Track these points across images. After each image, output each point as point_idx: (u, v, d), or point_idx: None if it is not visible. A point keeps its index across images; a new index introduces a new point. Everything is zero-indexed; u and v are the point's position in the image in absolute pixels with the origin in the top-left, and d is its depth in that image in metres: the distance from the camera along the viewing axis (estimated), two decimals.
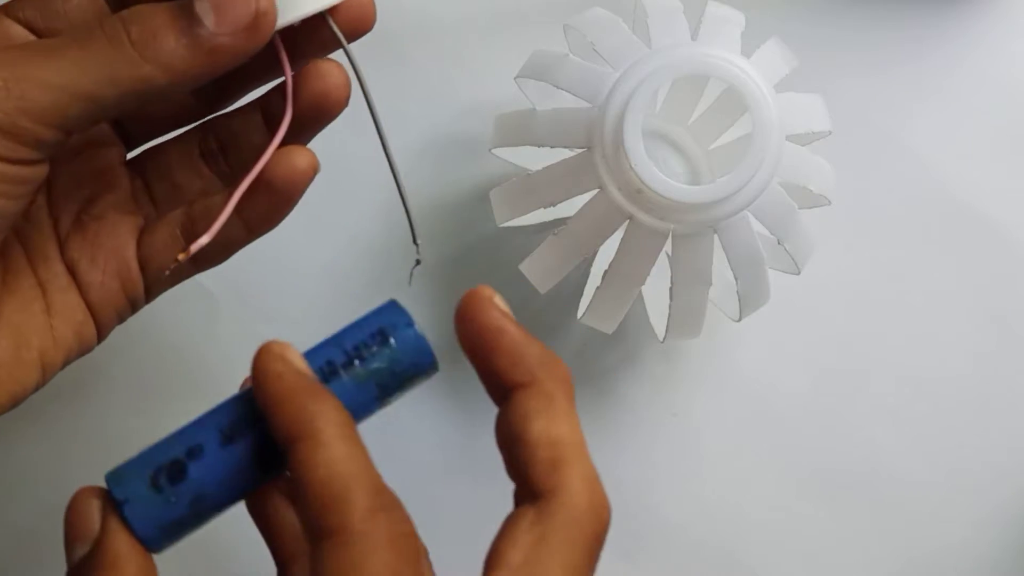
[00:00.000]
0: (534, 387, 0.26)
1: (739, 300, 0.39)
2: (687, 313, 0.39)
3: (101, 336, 0.34)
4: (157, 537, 0.26)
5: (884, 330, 0.47)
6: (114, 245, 0.33)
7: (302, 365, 0.27)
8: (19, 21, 0.30)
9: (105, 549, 0.26)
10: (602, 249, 0.39)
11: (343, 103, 0.32)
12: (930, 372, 0.47)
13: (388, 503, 0.25)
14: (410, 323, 0.28)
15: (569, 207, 0.38)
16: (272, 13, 0.29)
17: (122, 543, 0.26)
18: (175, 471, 0.26)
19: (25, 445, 0.45)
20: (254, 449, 0.27)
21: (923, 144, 0.48)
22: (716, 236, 0.37)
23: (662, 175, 0.36)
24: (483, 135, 0.44)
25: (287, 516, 0.31)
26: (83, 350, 0.33)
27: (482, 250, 0.46)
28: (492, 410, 0.29)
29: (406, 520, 0.25)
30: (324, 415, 0.25)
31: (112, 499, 0.26)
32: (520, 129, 0.39)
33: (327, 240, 0.46)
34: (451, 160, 0.47)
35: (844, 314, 0.47)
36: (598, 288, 0.39)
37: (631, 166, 0.35)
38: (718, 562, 0.46)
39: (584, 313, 0.40)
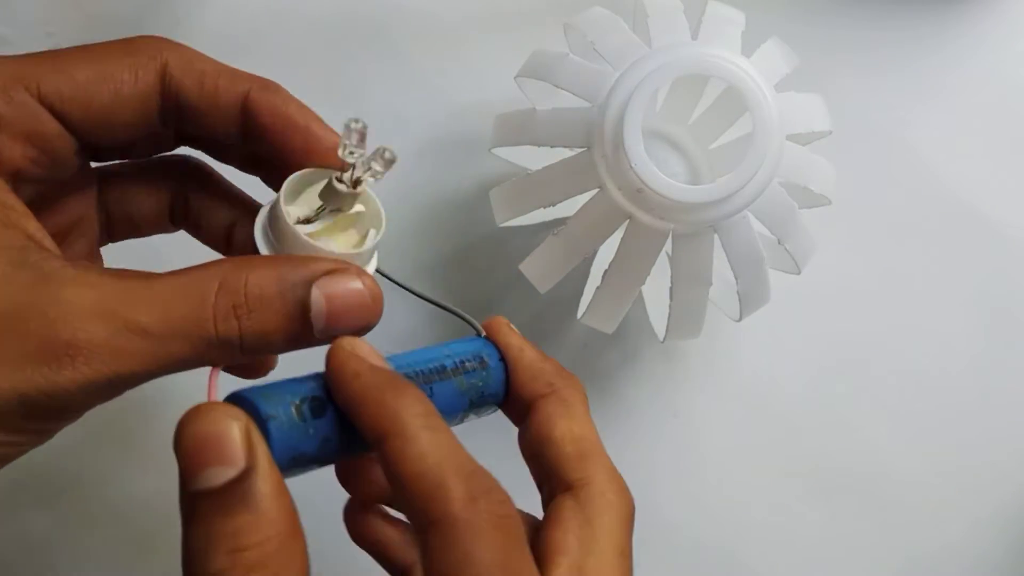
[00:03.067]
0: (554, 395, 0.30)
1: (739, 300, 0.39)
2: (687, 313, 0.39)
3: None
4: (284, 467, 0.25)
5: (884, 330, 0.47)
6: None
7: (376, 359, 0.27)
8: (52, 109, 0.27)
9: (256, 482, 0.24)
10: (602, 249, 0.39)
11: None
12: (930, 372, 0.47)
13: (485, 486, 0.25)
14: (501, 357, 0.31)
15: (569, 207, 0.38)
16: (374, 324, 0.28)
17: (275, 480, 0.24)
18: (316, 405, 0.26)
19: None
20: None
21: (924, 143, 0.48)
22: (716, 236, 0.37)
23: (662, 175, 0.35)
24: (483, 135, 0.44)
25: (389, 532, 0.32)
26: None
27: (482, 250, 0.46)
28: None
29: (506, 501, 0.26)
30: (407, 408, 0.25)
31: (258, 417, 0.25)
32: (520, 129, 0.39)
33: None
34: (451, 160, 0.47)
35: (844, 314, 0.47)
36: (598, 288, 0.39)
37: (631, 166, 0.35)
38: (718, 562, 0.46)
39: (584, 313, 0.40)
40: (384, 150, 0.28)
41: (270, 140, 0.28)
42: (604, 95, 0.37)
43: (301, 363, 0.28)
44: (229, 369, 0.33)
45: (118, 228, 0.33)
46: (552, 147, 0.38)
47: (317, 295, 0.26)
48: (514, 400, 0.31)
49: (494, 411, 0.31)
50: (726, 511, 0.46)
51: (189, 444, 0.24)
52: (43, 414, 0.25)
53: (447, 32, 0.48)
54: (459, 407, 0.30)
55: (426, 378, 0.29)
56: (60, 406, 0.25)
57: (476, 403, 0.30)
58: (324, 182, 0.30)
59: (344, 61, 0.47)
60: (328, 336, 0.27)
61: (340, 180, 0.29)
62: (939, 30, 0.49)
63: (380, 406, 0.25)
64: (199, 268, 0.26)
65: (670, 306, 0.39)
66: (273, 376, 0.28)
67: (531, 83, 0.40)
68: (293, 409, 0.26)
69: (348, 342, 0.27)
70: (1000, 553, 0.46)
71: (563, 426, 0.29)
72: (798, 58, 0.39)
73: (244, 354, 0.26)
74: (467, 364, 0.30)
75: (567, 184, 0.38)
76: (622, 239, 0.38)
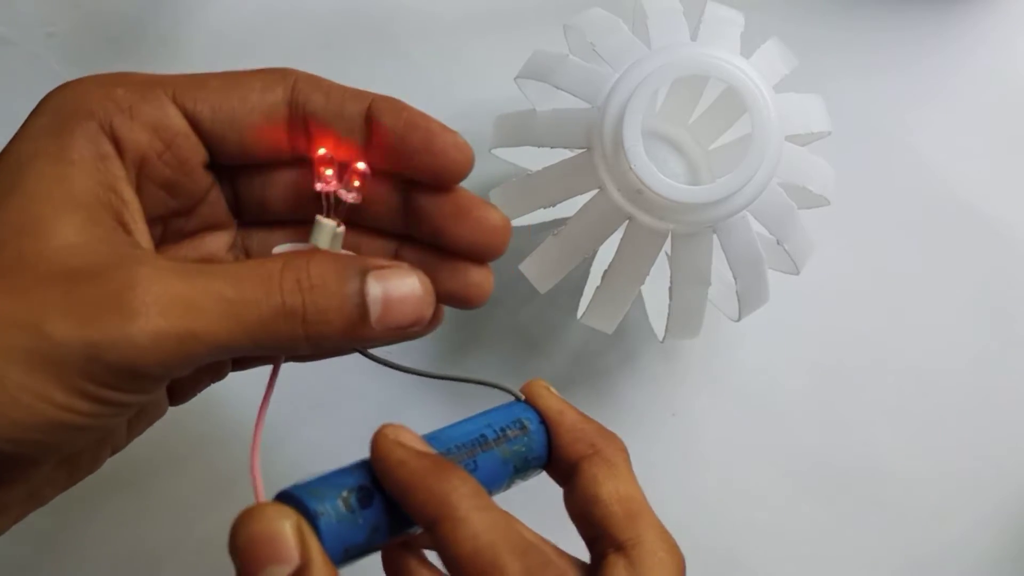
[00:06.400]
0: (597, 456, 0.30)
1: (739, 300, 0.39)
2: (687, 313, 0.39)
3: None
4: (338, 560, 0.26)
5: (884, 330, 0.47)
6: None
7: (420, 445, 0.28)
8: (184, 110, 0.29)
9: None
10: (602, 249, 0.39)
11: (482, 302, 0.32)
12: (930, 371, 0.47)
13: (540, 562, 0.26)
14: (542, 420, 0.31)
15: (569, 207, 0.38)
16: (426, 325, 0.29)
17: (329, 573, 0.25)
18: (364, 496, 0.27)
19: None
20: None
21: (923, 144, 0.48)
22: (716, 236, 0.37)
23: (662, 175, 0.35)
24: (483, 135, 0.44)
25: (424, 574, 0.32)
26: None
27: None
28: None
29: (561, 574, 0.27)
30: (455, 490, 0.26)
31: (307, 513, 0.26)
32: (520, 129, 0.39)
33: None
34: None
35: (844, 314, 0.47)
36: (598, 288, 0.39)
37: (631, 166, 0.35)
38: (718, 562, 0.46)
39: (584, 313, 0.40)
40: (355, 168, 0.30)
41: (391, 141, 0.29)
42: (604, 96, 0.37)
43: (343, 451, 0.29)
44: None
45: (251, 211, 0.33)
46: (552, 148, 0.38)
47: (374, 284, 0.27)
48: (557, 462, 0.31)
49: (539, 473, 0.32)
50: (726, 511, 0.46)
51: (245, 545, 0.25)
52: (106, 374, 0.24)
53: (447, 32, 0.48)
54: (504, 475, 0.30)
55: (469, 452, 0.29)
56: (125, 365, 0.24)
57: (520, 469, 0.31)
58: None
59: (344, 61, 0.47)
60: (384, 328, 0.28)
61: (327, 215, 0.30)
62: (939, 30, 0.49)
63: (429, 491, 0.26)
64: (266, 257, 0.28)
65: (670, 306, 0.39)
66: (319, 466, 0.28)
67: (531, 83, 0.40)
68: (341, 502, 0.26)
69: (391, 430, 0.28)
70: (1000, 553, 0.46)
71: (609, 486, 0.30)
72: (797, 59, 0.40)
73: (306, 333, 0.27)
74: (508, 432, 0.30)
75: (567, 184, 0.38)
76: (622, 239, 0.38)
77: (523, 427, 0.31)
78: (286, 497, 0.26)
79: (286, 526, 0.25)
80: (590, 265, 0.42)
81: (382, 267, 0.28)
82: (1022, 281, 0.48)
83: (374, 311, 0.27)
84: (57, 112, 0.27)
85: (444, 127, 0.29)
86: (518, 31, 0.48)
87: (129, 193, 0.28)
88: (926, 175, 0.48)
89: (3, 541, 0.30)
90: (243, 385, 0.34)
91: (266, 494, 0.27)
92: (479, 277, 0.31)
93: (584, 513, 0.30)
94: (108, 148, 0.27)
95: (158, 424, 0.33)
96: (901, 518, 0.46)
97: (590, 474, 0.30)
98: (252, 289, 0.26)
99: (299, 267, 0.27)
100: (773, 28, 0.40)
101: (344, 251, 0.31)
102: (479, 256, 0.31)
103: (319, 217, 0.30)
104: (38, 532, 0.44)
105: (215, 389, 0.34)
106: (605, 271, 0.38)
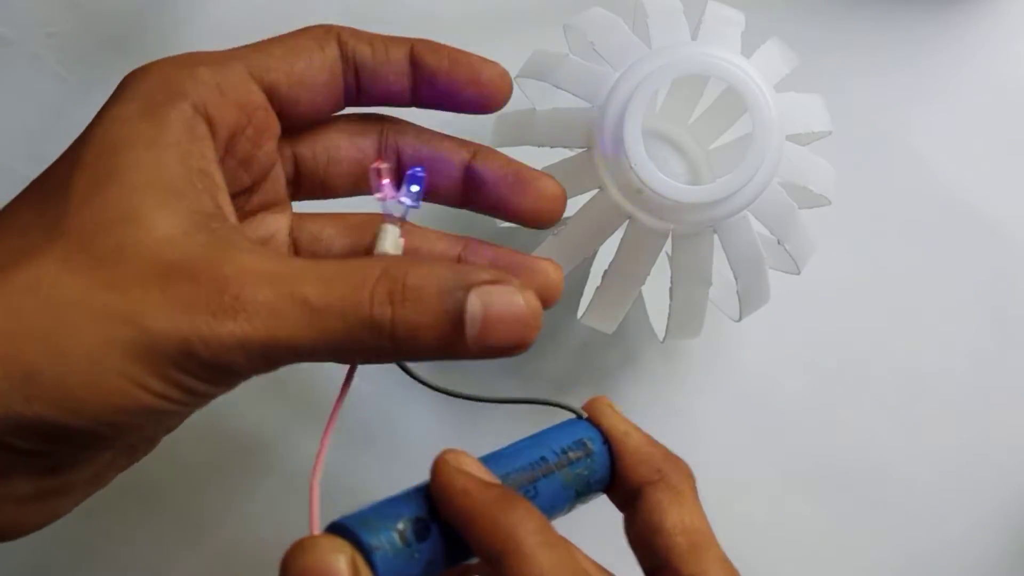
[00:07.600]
0: (663, 482, 0.29)
1: (739, 300, 0.39)
2: (687, 313, 0.39)
3: None
4: None
5: (884, 330, 0.47)
6: None
7: (483, 473, 0.27)
8: (261, 83, 0.29)
9: None
10: (602, 249, 0.39)
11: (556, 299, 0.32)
12: (930, 371, 0.47)
13: None
14: (605, 440, 0.30)
15: (569, 207, 0.38)
16: (529, 343, 0.27)
17: None
18: (420, 528, 0.26)
19: None
20: None
21: (923, 144, 0.48)
22: (716, 236, 0.37)
23: (662, 175, 0.35)
24: (483, 135, 0.44)
25: None
26: None
27: None
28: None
29: None
30: (522, 525, 0.25)
31: (361, 547, 0.25)
32: (520, 129, 0.39)
33: None
34: None
35: (844, 314, 0.47)
36: (598, 288, 0.39)
37: (631, 166, 0.35)
38: None
39: (584, 313, 0.40)
40: (412, 172, 0.30)
41: (439, 79, 0.31)
42: (604, 95, 0.37)
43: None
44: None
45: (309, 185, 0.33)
46: (552, 147, 0.38)
47: (474, 300, 0.26)
48: (619, 486, 0.30)
49: (600, 496, 0.30)
50: (726, 510, 0.46)
51: None
52: (197, 367, 0.25)
53: (447, 32, 0.48)
54: (565, 501, 0.29)
55: (530, 476, 0.28)
56: (215, 362, 0.25)
57: (582, 493, 0.29)
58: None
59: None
60: (480, 348, 0.26)
61: (390, 223, 0.30)
62: (939, 31, 0.49)
63: (494, 523, 0.25)
64: (365, 258, 0.28)
65: (670, 306, 0.39)
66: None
67: (531, 83, 0.40)
68: (397, 536, 0.25)
69: (453, 456, 0.27)
70: (1000, 552, 0.46)
71: (674, 515, 0.29)
72: (798, 58, 0.39)
73: (394, 347, 0.26)
74: (570, 454, 0.29)
75: (567, 184, 0.37)
76: (622, 239, 0.38)
77: (586, 448, 0.29)
78: (339, 528, 0.26)
79: (340, 560, 0.24)
80: (590, 265, 0.42)
81: (488, 282, 0.26)
82: (1022, 281, 0.48)
83: (471, 329, 0.26)
84: (147, 96, 0.27)
85: (484, 59, 0.31)
86: (518, 31, 0.48)
87: (219, 174, 0.28)
88: (926, 175, 0.48)
89: (26, 549, 0.29)
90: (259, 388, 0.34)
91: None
92: (555, 277, 0.32)
93: (646, 542, 0.29)
94: (203, 129, 0.28)
95: (182, 430, 0.33)
96: (901, 518, 0.46)
97: (654, 501, 0.29)
98: (340, 297, 0.25)
99: (395, 278, 0.26)
100: (773, 28, 0.40)
101: (446, 259, 0.32)
102: (537, 223, 0.33)
103: (384, 224, 0.30)
104: (46, 538, 0.44)
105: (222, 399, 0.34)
106: (605, 271, 0.38)
